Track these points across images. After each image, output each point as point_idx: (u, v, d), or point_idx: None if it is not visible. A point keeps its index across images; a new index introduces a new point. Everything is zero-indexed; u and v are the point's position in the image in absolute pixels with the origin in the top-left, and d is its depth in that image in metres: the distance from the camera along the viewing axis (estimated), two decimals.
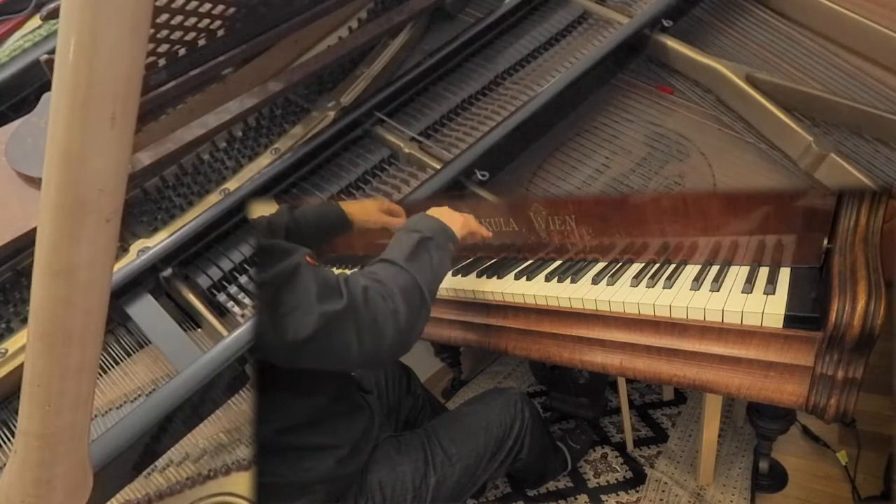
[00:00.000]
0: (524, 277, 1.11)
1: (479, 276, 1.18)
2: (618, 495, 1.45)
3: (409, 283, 0.88)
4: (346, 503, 0.99)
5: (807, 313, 0.75)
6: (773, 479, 1.39)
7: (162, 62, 1.08)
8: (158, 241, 1.05)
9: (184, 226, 1.06)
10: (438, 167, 1.12)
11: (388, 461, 1.04)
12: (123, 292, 0.98)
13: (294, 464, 0.93)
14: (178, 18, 1.03)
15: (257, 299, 0.80)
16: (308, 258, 0.83)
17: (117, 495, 0.86)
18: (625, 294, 0.93)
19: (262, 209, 1.14)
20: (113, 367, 0.98)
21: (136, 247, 1.06)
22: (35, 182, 1.08)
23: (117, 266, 1.01)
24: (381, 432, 1.10)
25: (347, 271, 1.37)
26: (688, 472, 1.46)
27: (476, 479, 1.11)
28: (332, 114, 1.24)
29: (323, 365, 0.85)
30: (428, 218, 1.00)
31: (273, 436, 0.91)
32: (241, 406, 0.95)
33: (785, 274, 0.88)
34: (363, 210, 1.20)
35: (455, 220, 1.01)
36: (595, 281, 1.01)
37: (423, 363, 1.94)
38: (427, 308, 0.90)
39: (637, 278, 0.97)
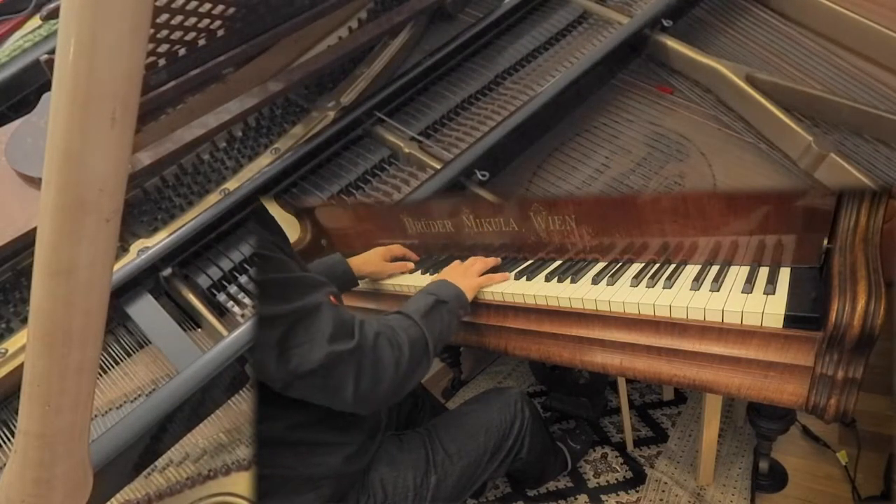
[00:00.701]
0: (524, 277, 1.11)
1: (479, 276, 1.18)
2: (618, 495, 1.45)
3: (418, 336, 0.93)
4: (348, 501, 1.00)
5: (807, 313, 0.75)
6: (773, 479, 1.39)
7: (162, 62, 1.08)
8: (158, 241, 1.05)
9: (183, 225, 1.06)
10: (438, 167, 1.12)
11: (390, 459, 1.05)
12: (123, 292, 0.98)
13: (304, 458, 0.94)
14: (178, 18, 1.03)
15: (263, 329, 0.81)
16: (332, 297, 0.87)
17: (117, 495, 0.86)
18: (625, 294, 0.93)
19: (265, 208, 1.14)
20: (113, 367, 0.98)
21: (136, 247, 1.06)
22: (35, 182, 1.08)
23: (117, 266, 1.01)
24: (384, 432, 1.10)
25: None
26: (688, 472, 1.46)
27: (476, 478, 1.12)
28: (332, 114, 1.24)
29: (313, 398, 0.87)
30: (445, 284, 1.07)
31: (285, 430, 0.92)
32: (241, 406, 0.95)
33: (785, 274, 0.88)
34: (368, 263, 1.31)
35: (469, 285, 1.09)
36: (595, 281, 1.01)
37: None
38: (428, 363, 0.95)
39: (637, 278, 0.97)
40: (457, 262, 1.20)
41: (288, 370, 0.79)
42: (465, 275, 1.12)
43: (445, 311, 1.01)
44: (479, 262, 1.17)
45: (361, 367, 0.84)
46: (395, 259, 1.38)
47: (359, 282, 1.34)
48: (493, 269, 1.19)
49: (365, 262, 1.33)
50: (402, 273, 1.35)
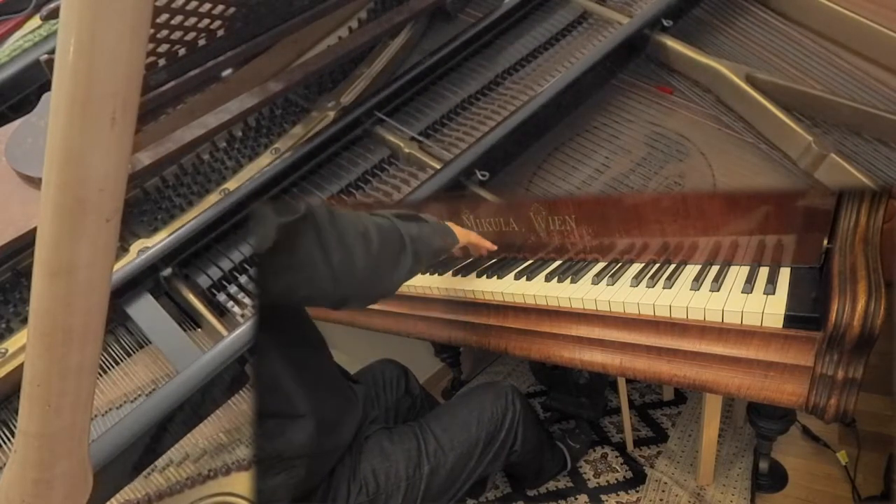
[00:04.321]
0: (524, 277, 1.11)
1: (479, 276, 1.18)
2: (618, 495, 1.45)
3: (388, 225, 0.85)
4: (338, 489, 1.00)
5: (807, 313, 0.75)
6: (773, 479, 1.39)
7: (162, 62, 1.08)
8: (158, 241, 1.05)
9: (183, 225, 1.06)
10: (438, 167, 1.12)
11: (381, 450, 1.05)
12: (123, 292, 0.98)
13: (272, 435, 0.92)
14: (178, 18, 1.03)
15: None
16: None
17: (117, 495, 0.86)
18: (625, 294, 0.93)
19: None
20: (113, 367, 0.98)
21: (136, 247, 1.06)
22: (35, 182, 1.08)
23: (117, 266, 1.01)
24: (373, 423, 1.11)
25: None
26: (688, 472, 1.46)
27: (471, 470, 1.12)
28: (332, 114, 1.23)
29: (297, 289, 0.78)
30: (431, 218, 1.01)
31: (256, 403, 0.91)
32: (241, 406, 0.95)
33: (785, 274, 0.88)
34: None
35: (458, 230, 1.04)
36: (595, 281, 1.01)
37: (423, 363, 1.94)
38: (408, 258, 0.86)
39: (637, 278, 0.97)
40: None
41: (256, 252, 0.77)
42: (450, 224, 1.06)
43: (425, 224, 0.94)
44: (474, 234, 1.13)
45: (323, 237, 0.76)
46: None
47: None
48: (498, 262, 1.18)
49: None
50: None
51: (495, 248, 1.14)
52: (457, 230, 1.05)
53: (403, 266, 0.86)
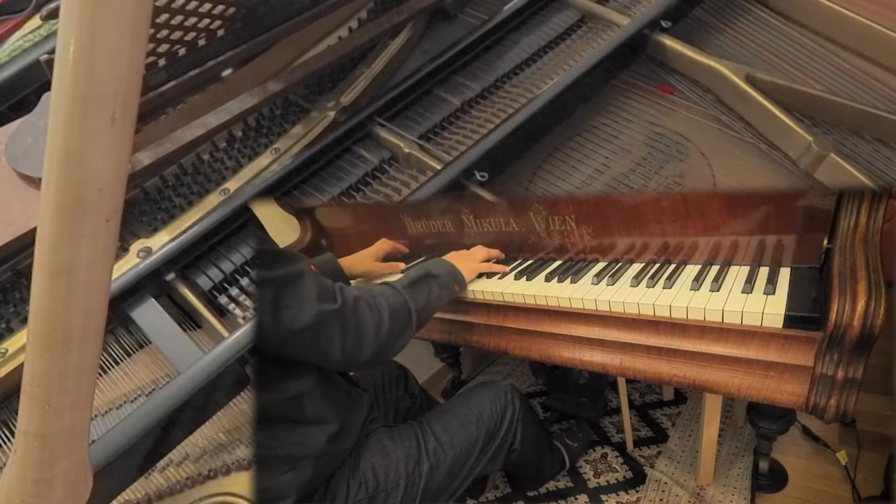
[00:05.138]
0: (524, 277, 1.11)
1: (479, 276, 1.18)
2: (618, 495, 1.45)
3: (400, 303, 0.98)
4: (338, 487, 1.00)
5: (807, 313, 0.75)
6: (773, 479, 1.39)
7: (162, 62, 1.08)
8: (158, 241, 1.05)
9: (186, 229, 1.06)
10: (439, 168, 1.12)
11: (381, 448, 1.06)
12: (127, 297, 0.98)
13: (283, 437, 0.95)
14: (178, 18, 1.02)
15: (259, 293, 0.89)
16: (312, 267, 0.94)
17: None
18: (625, 294, 0.93)
19: (263, 208, 1.14)
20: (113, 367, 0.98)
21: (136, 247, 1.06)
22: (35, 182, 1.08)
23: (118, 267, 1.01)
24: (373, 422, 1.12)
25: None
26: (688, 472, 1.46)
27: (470, 469, 1.12)
28: (332, 114, 1.23)
29: (307, 356, 0.92)
30: (441, 261, 1.12)
31: (266, 408, 0.93)
32: (240, 406, 0.95)
33: (785, 274, 0.88)
34: (358, 263, 1.36)
35: (468, 267, 1.14)
36: (595, 281, 1.01)
37: (423, 363, 1.94)
38: (412, 330, 0.99)
39: (637, 278, 0.97)
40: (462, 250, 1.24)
41: (283, 328, 0.85)
42: (466, 258, 1.16)
43: (435, 284, 1.05)
44: (482, 251, 1.21)
45: (345, 327, 0.90)
46: (387, 256, 1.40)
47: (351, 282, 1.34)
48: (501, 263, 1.20)
49: (355, 262, 1.35)
50: (392, 273, 1.36)
51: (506, 269, 1.18)
52: (464, 265, 1.12)
53: (405, 338, 0.99)
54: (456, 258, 1.15)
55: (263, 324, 0.87)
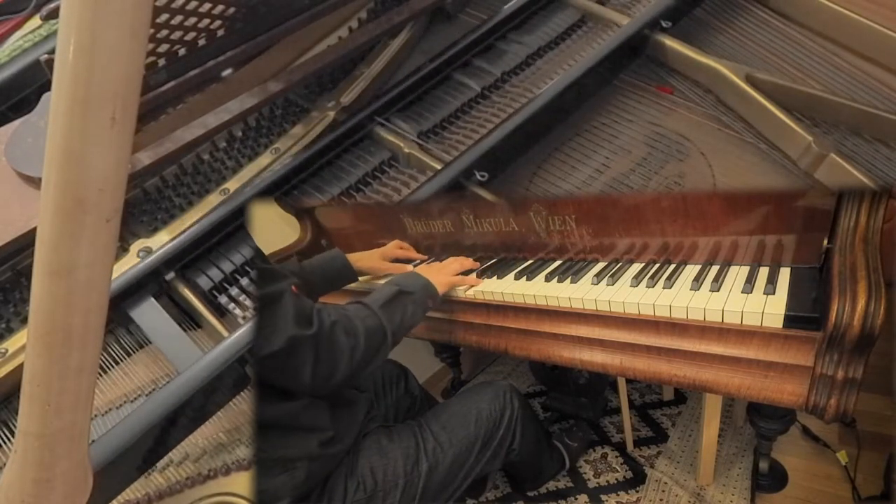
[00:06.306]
0: (524, 277, 1.11)
1: (479, 276, 1.18)
2: (618, 495, 1.45)
3: (375, 325, 0.96)
4: (336, 487, 1.00)
5: (807, 313, 0.75)
6: (773, 479, 1.39)
7: (162, 62, 1.08)
8: (158, 241, 1.05)
9: (186, 229, 1.06)
10: (439, 168, 1.12)
11: (379, 448, 1.06)
12: (126, 296, 0.98)
13: (277, 441, 0.94)
14: (178, 18, 1.03)
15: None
16: (294, 287, 0.91)
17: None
18: (625, 294, 0.93)
19: (263, 208, 1.14)
20: (113, 366, 0.98)
21: (136, 247, 1.06)
22: (35, 182, 1.08)
23: (118, 267, 1.01)
24: (371, 422, 1.11)
25: None
26: (688, 472, 1.46)
27: (469, 469, 1.12)
28: (332, 114, 1.23)
29: (274, 380, 0.90)
30: (413, 275, 1.10)
31: (261, 415, 0.93)
32: (240, 406, 0.95)
33: (785, 274, 0.88)
34: (368, 259, 1.32)
35: (441, 280, 1.11)
36: (595, 281, 1.01)
37: (423, 363, 1.94)
38: (386, 351, 0.98)
39: (637, 278, 0.97)
40: (435, 262, 1.22)
41: (255, 353, 0.85)
42: (440, 271, 1.14)
43: (409, 301, 1.03)
44: (455, 262, 1.19)
45: (318, 353, 0.88)
46: (396, 260, 1.38)
47: (358, 278, 1.33)
48: (496, 265, 1.19)
49: (363, 258, 1.33)
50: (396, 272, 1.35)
51: (478, 280, 1.17)
52: (437, 279, 1.10)
53: (378, 360, 0.97)
54: (429, 271, 1.13)
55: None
